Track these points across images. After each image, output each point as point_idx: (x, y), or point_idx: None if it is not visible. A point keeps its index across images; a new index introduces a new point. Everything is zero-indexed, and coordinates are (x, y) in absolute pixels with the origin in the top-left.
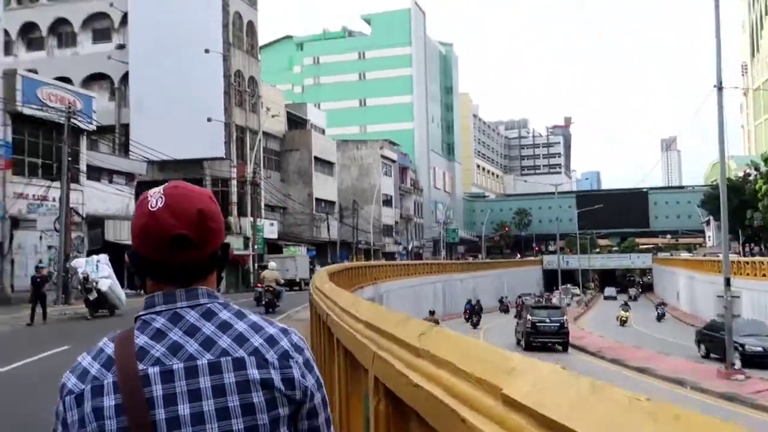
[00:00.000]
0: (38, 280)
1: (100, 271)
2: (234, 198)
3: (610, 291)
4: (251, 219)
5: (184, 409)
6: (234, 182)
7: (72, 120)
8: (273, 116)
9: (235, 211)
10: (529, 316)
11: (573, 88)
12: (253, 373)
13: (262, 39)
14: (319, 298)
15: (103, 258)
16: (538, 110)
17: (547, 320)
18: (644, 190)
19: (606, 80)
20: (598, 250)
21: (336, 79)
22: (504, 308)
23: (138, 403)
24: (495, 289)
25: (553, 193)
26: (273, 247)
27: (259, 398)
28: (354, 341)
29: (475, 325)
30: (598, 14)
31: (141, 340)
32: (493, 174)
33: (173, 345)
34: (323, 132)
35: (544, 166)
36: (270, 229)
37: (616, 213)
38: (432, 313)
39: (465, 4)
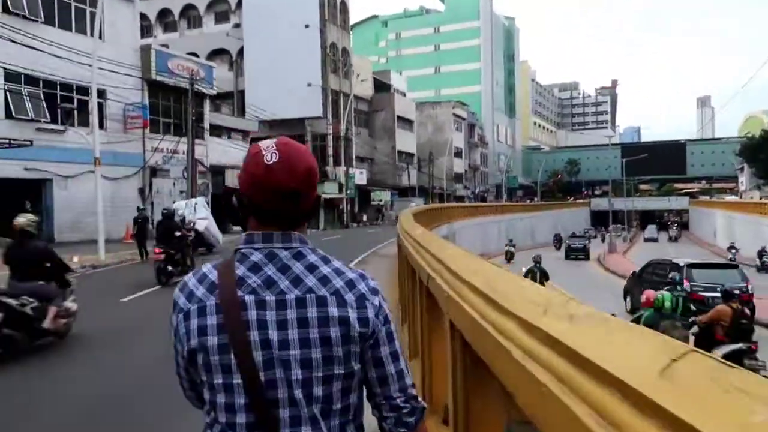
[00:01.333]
0: (139, 221)
1: (198, 212)
2: (330, 151)
3: (650, 231)
4: (344, 168)
5: (273, 334)
6: (330, 137)
7: (195, 85)
8: (362, 81)
9: (331, 162)
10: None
11: (621, 53)
12: (333, 310)
13: (353, 18)
14: (409, 244)
15: (201, 200)
16: (588, 73)
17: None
18: (682, 141)
19: (650, 45)
20: (638, 194)
21: (415, 50)
22: (557, 245)
23: (237, 323)
24: (550, 227)
25: (601, 145)
26: (363, 192)
27: (336, 333)
28: (437, 288)
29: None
30: None
31: (240, 270)
32: (547, 129)
33: (267, 279)
34: (404, 95)
35: (592, 122)
36: (360, 177)
37: (657, 161)
38: (510, 241)
39: None
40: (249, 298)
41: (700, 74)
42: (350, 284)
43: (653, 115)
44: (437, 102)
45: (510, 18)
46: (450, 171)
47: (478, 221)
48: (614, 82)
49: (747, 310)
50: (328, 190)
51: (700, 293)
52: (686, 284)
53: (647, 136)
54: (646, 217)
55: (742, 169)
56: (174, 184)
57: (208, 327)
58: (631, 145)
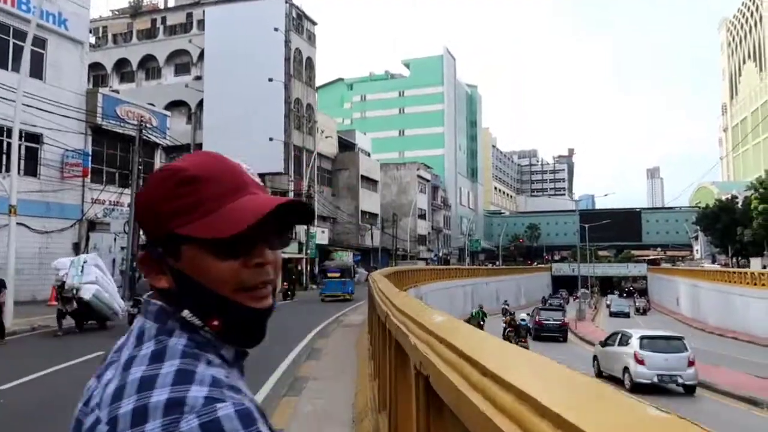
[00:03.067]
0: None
1: (85, 275)
2: None
3: (618, 304)
4: (305, 227)
5: None
6: (291, 195)
7: (146, 134)
8: (327, 137)
9: None
10: (537, 317)
11: (578, 122)
12: None
13: (319, 80)
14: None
15: (91, 258)
16: (546, 141)
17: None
18: (638, 209)
19: (605, 115)
20: (597, 260)
21: (379, 113)
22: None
23: None
24: (514, 292)
25: (560, 211)
26: (323, 252)
27: None
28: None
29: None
30: (602, 59)
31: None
32: (507, 194)
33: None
34: (369, 155)
35: (550, 188)
36: (322, 236)
37: (614, 229)
38: (480, 306)
39: (489, 52)
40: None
41: (649, 146)
42: (143, 413)
43: (606, 183)
44: (402, 163)
45: (473, 86)
46: (414, 232)
47: (445, 284)
48: (571, 151)
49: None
50: (288, 250)
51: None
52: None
53: (601, 204)
54: (605, 283)
55: (696, 238)
56: (115, 239)
57: None
58: (588, 211)
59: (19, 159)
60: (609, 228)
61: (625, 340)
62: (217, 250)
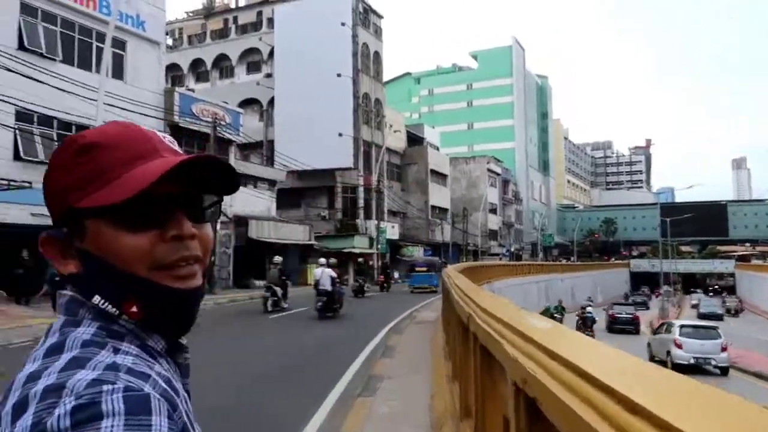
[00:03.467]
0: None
1: None
2: (361, 203)
3: (709, 306)
4: (375, 222)
5: None
6: (361, 190)
7: (219, 130)
8: (395, 131)
9: (361, 215)
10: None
11: (655, 111)
12: None
13: (387, 74)
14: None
15: None
16: (621, 132)
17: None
18: (723, 202)
19: (685, 103)
20: (680, 256)
21: (447, 107)
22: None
23: None
24: (590, 289)
25: (639, 205)
26: (394, 247)
27: None
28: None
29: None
30: (684, 42)
31: None
32: (581, 188)
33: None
34: (437, 149)
35: (627, 181)
36: (392, 231)
37: (697, 223)
38: (560, 301)
39: (560, 41)
40: None
41: (734, 135)
42: (23, 404)
43: (687, 176)
44: (471, 157)
45: (543, 77)
46: (484, 227)
47: (519, 281)
48: (648, 142)
49: None
50: (359, 245)
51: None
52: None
53: (682, 197)
54: (688, 281)
55: None
56: None
57: None
58: (670, 205)
59: None
60: (692, 222)
61: (669, 329)
62: (125, 222)
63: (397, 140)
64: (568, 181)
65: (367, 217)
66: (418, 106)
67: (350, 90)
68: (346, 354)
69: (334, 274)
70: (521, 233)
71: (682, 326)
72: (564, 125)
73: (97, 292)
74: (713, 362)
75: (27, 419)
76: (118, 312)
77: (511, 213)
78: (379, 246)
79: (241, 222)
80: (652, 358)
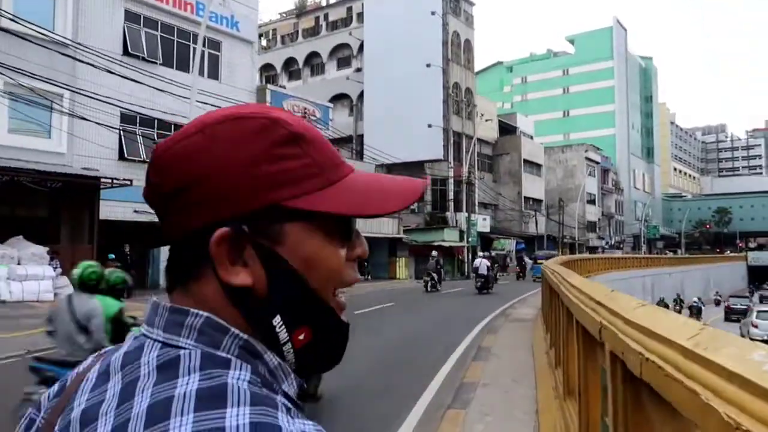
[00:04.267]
0: None
1: None
2: (451, 195)
3: None
4: (466, 214)
5: None
6: (451, 182)
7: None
8: (486, 120)
9: (451, 207)
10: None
11: None
12: None
13: (478, 64)
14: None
15: None
16: (737, 114)
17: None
18: None
19: None
20: None
21: (542, 94)
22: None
23: None
24: (701, 284)
25: (755, 193)
26: (485, 240)
27: None
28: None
29: None
30: None
31: (93, 371)
32: (689, 176)
33: (95, 407)
34: (531, 138)
35: (743, 167)
36: (483, 224)
37: None
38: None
39: (665, 18)
40: None
41: None
42: None
43: None
44: (568, 145)
45: (647, 58)
46: (582, 218)
47: (621, 275)
48: None
49: None
50: (448, 238)
51: None
52: None
53: None
54: None
55: None
56: None
57: None
58: None
59: None
60: None
61: (750, 314)
62: (338, 233)
63: (488, 130)
64: (675, 169)
65: (457, 209)
66: (510, 96)
67: (440, 80)
68: (434, 356)
69: (488, 263)
70: (622, 224)
71: (759, 311)
72: (671, 109)
73: (278, 312)
74: None
75: None
76: (287, 339)
77: (611, 203)
78: (470, 239)
79: None
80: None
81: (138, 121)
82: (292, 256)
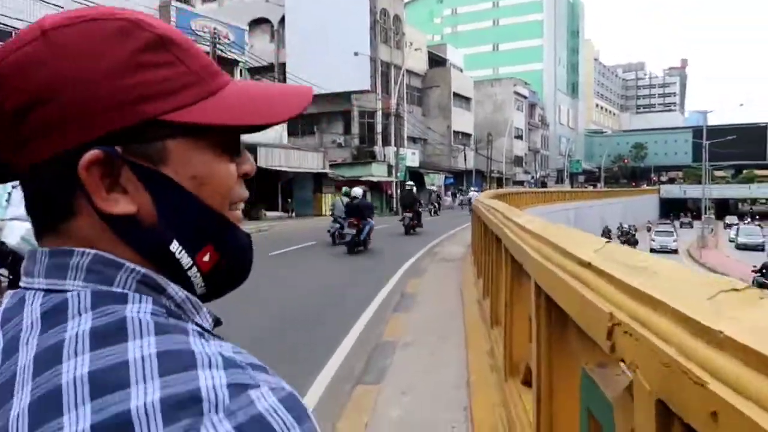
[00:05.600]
0: None
1: (11, 206)
2: (379, 129)
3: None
4: (395, 148)
5: None
6: (379, 114)
7: (221, 48)
8: (416, 50)
9: (380, 141)
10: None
11: (691, 30)
12: None
13: None
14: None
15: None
16: (655, 53)
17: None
18: (762, 124)
19: (725, 19)
20: (714, 181)
21: (472, 27)
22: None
23: None
24: (619, 216)
25: (671, 129)
26: (414, 175)
27: None
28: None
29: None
30: None
31: None
32: (610, 112)
33: None
34: (461, 71)
35: (659, 104)
36: (412, 158)
37: (733, 147)
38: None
39: None
40: None
41: None
42: (119, 429)
43: (725, 98)
44: (497, 79)
45: None
46: (510, 153)
47: (548, 209)
48: (684, 62)
49: None
50: (376, 173)
51: None
52: None
53: (715, 122)
54: (721, 207)
55: None
56: None
57: None
58: (704, 128)
59: None
60: (728, 146)
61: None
62: (224, 149)
63: (417, 61)
64: (597, 105)
65: (386, 143)
66: (440, 27)
67: (366, 5)
68: (346, 307)
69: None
70: (547, 159)
71: (656, 231)
72: (595, 46)
73: (174, 236)
74: None
75: None
76: (191, 264)
77: (537, 138)
78: (398, 174)
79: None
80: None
81: None
82: (179, 174)
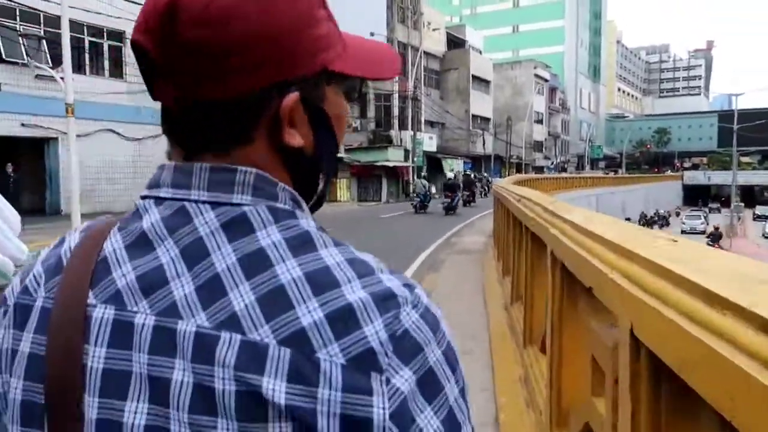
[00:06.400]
0: None
1: None
2: (395, 112)
3: None
4: (411, 133)
5: (130, 413)
6: (396, 97)
7: None
8: (434, 30)
9: (396, 125)
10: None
11: (718, 9)
12: (275, 388)
13: None
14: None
15: None
16: (680, 34)
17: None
18: None
19: (752, 2)
20: (740, 167)
21: (491, 8)
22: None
23: (65, 361)
24: (641, 203)
25: (692, 113)
26: (431, 160)
27: None
28: (539, 226)
29: None
30: None
31: (113, 243)
32: (632, 96)
33: (154, 272)
34: (480, 53)
35: (683, 88)
36: (429, 143)
37: (761, 131)
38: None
39: None
40: (103, 313)
41: None
42: (346, 320)
43: (750, 81)
44: (517, 62)
45: None
46: (529, 138)
47: (569, 195)
48: (710, 44)
49: None
50: (393, 158)
51: None
52: None
53: (742, 105)
54: (746, 194)
55: None
56: None
57: (11, 354)
58: (730, 112)
59: (103, 59)
60: (754, 131)
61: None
62: (349, 91)
63: (435, 43)
64: (619, 89)
65: (403, 127)
66: (459, 8)
67: None
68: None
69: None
70: (567, 144)
71: (686, 215)
72: (618, 27)
73: (323, 168)
74: None
75: (377, 332)
76: (322, 188)
77: (557, 123)
78: (415, 158)
79: None
80: None
81: (18, 15)
82: (330, 113)
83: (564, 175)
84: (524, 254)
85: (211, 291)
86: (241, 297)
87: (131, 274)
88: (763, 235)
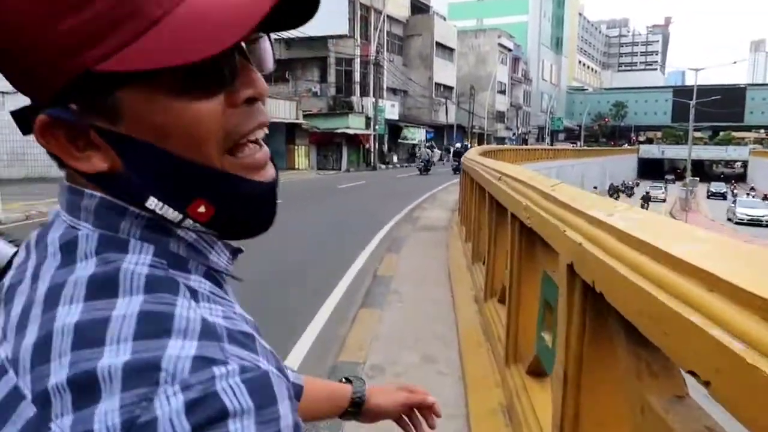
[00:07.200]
0: None
1: None
2: (357, 78)
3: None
4: (373, 99)
5: None
6: (357, 62)
7: None
8: None
9: (357, 91)
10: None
11: None
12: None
13: None
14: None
15: None
16: (640, 9)
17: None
18: (742, 85)
19: None
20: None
21: None
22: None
23: None
24: (598, 176)
25: (649, 88)
26: (393, 128)
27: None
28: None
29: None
30: None
31: (24, 246)
32: (592, 69)
33: (16, 284)
34: (444, 19)
35: (641, 63)
36: (391, 111)
37: (711, 107)
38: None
39: None
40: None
41: (757, 15)
42: (84, 387)
43: (705, 57)
44: (481, 30)
45: None
46: (492, 108)
47: (531, 166)
48: (667, 20)
49: None
50: (353, 125)
51: None
52: None
53: (693, 81)
54: (696, 168)
55: None
56: None
57: None
58: (684, 88)
59: None
60: (706, 106)
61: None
62: (190, 86)
63: (399, 7)
64: (580, 62)
65: (364, 94)
66: None
67: None
68: (301, 295)
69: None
70: (528, 115)
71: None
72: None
73: (151, 192)
74: None
75: (108, 415)
76: (180, 218)
77: (519, 94)
78: (377, 127)
79: None
80: None
81: None
82: (139, 127)
83: (525, 147)
84: (510, 244)
85: (22, 320)
86: (29, 335)
87: (8, 281)
88: (728, 218)
